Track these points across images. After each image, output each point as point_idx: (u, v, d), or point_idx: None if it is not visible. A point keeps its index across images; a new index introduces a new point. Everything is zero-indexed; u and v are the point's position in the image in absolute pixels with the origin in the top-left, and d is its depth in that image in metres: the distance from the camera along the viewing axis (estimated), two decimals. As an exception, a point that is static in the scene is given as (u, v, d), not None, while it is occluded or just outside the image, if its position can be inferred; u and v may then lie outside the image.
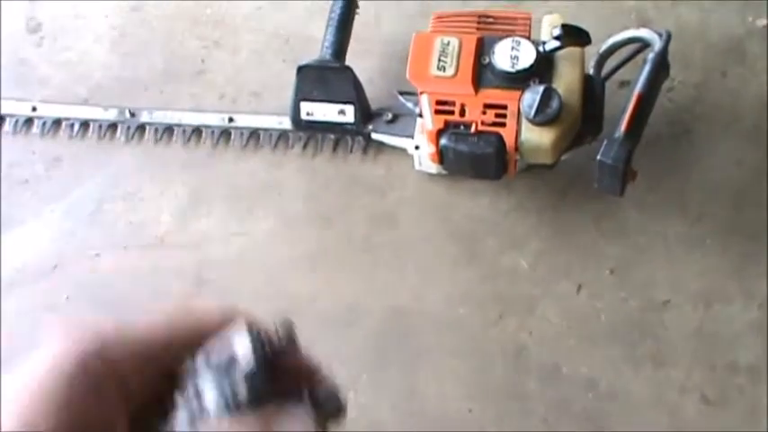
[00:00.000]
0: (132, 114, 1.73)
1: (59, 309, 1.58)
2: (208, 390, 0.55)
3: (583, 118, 1.46)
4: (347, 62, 1.62)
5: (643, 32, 1.50)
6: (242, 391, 0.55)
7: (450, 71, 1.47)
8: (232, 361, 0.56)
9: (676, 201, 1.57)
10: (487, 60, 1.47)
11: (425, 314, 1.52)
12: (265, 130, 1.70)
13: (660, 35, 1.47)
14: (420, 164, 1.60)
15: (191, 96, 1.78)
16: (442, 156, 1.48)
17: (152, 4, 1.91)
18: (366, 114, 1.63)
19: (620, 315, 1.49)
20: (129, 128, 1.74)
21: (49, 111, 1.77)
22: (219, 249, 1.62)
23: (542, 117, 1.40)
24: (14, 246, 1.65)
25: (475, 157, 1.44)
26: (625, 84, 1.58)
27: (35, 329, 1.55)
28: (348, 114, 1.61)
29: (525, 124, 1.43)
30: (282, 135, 1.69)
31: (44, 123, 1.76)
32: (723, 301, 1.48)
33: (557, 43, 1.44)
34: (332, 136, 1.67)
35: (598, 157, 1.36)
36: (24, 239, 1.66)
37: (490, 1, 1.79)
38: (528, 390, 1.45)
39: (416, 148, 1.56)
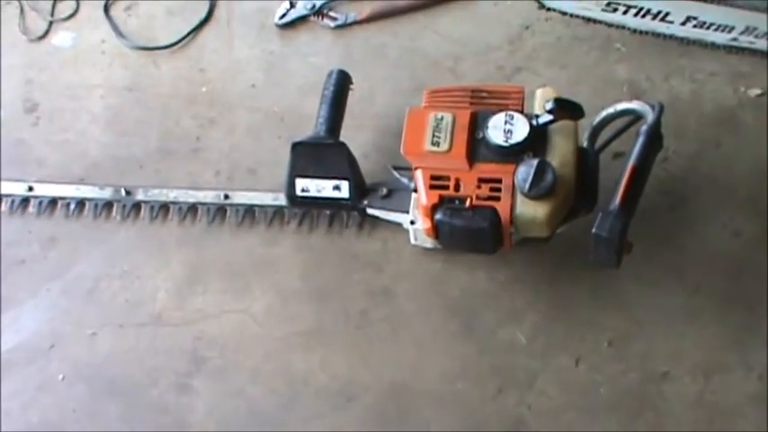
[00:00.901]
0: (128, 193, 1.74)
1: (55, 389, 1.57)
2: None
3: (577, 190, 1.46)
4: (342, 138, 1.62)
5: (635, 105, 1.51)
6: None
7: (444, 146, 1.48)
8: None
9: (673, 272, 1.56)
10: (481, 135, 1.48)
11: (423, 390, 1.51)
12: (261, 206, 1.70)
13: (653, 107, 1.48)
14: (416, 239, 1.60)
15: (186, 174, 1.78)
16: (437, 230, 1.48)
17: (147, 84, 1.93)
18: (361, 190, 1.63)
19: (619, 387, 1.48)
20: (124, 206, 1.74)
21: (46, 190, 1.77)
22: (216, 327, 1.61)
23: (537, 191, 1.40)
24: (11, 326, 1.65)
25: (470, 232, 1.44)
26: (619, 155, 1.58)
27: (30, 410, 1.55)
28: (343, 190, 1.61)
29: (520, 198, 1.43)
30: (278, 211, 1.69)
31: (40, 203, 1.76)
32: (723, 372, 1.47)
33: (550, 117, 1.45)
34: (327, 212, 1.67)
35: (593, 231, 1.36)
36: (21, 319, 1.65)
37: (483, 74, 1.81)
38: (528, 466, 1.44)
39: (412, 222, 1.56)
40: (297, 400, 1.53)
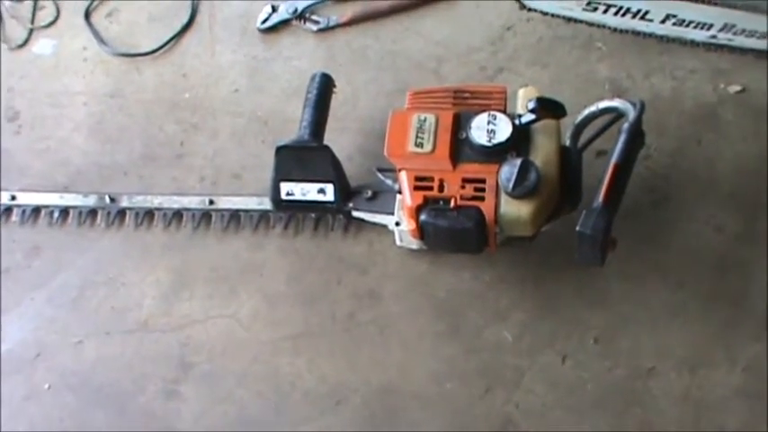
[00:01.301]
0: (112, 200, 1.74)
1: (41, 398, 1.57)
2: None
3: (561, 189, 1.47)
4: (325, 141, 1.63)
5: (617, 103, 1.52)
6: None
7: (427, 147, 1.48)
8: None
9: (657, 269, 1.57)
10: (464, 135, 1.48)
11: (411, 391, 1.51)
12: (246, 211, 1.70)
13: (634, 105, 1.49)
14: (401, 240, 1.60)
15: (171, 180, 1.78)
16: (422, 231, 1.48)
17: (130, 90, 1.93)
18: (346, 192, 1.63)
19: (605, 384, 1.49)
20: (109, 213, 1.74)
21: (29, 199, 1.77)
22: (203, 332, 1.61)
23: (521, 190, 1.41)
24: (-3, 335, 1.65)
25: (455, 232, 1.44)
26: (602, 153, 1.59)
27: (17, 420, 1.55)
28: (328, 193, 1.61)
29: (504, 197, 1.43)
30: (263, 216, 1.70)
31: (23, 212, 1.76)
32: (708, 367, 1.48)
33: (532, 116, 1.45)
34: (313, 215, 1.68)
35: (577, 228, 1.37)
36: (5, 329, 1.65)
37: (466, 74, 1.82)
38: (517, 464, 1.44)
39: (397, 224, 1.56)
40: (285, 404, 1.53)
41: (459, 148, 1.49)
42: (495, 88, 1.58)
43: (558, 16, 1.80)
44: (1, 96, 1.96)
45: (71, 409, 1.57)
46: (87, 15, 2.05)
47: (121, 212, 1.74)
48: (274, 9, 1.98)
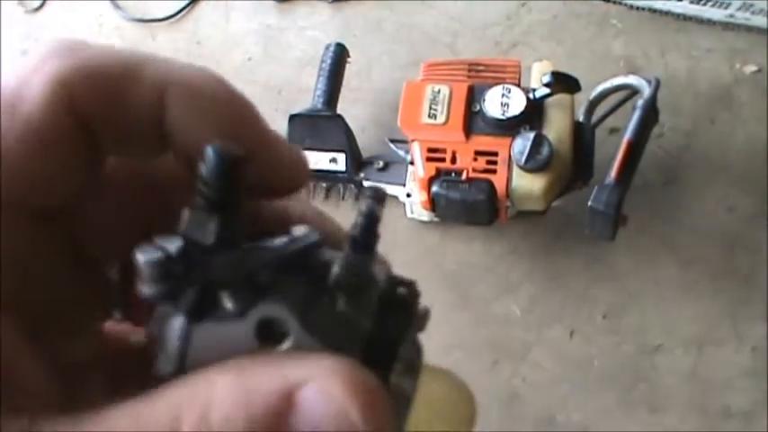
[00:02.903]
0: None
1: None
2: None
3: (573, 164, 1.47)
4: (338, 111, 1.63)
5: (632, 79, 1.52)
6: None
7: (441, 119, 1.48)
8: None
9: (667, 245, 1.57)
10: (478, 108, 1.48)
11: (419, 361, 1.52)
12: (258, 179, 1.70)
13: (649, 82, 1.49)
14: (412, 211, 1.60)
15: (183, 147, 1.78)
16: (433, 203, 1.48)
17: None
18: (358, 162, 1.63)
19: (613, 360, 1.49)
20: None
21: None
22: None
23: (533, 164, 1.41)
24: None
25: (466, 204, 1.45)
26: (615, 131, 1.59)
27: None
28: (340, 162, 1.62)
29: (516, 171, 1.43)
30: (275, 184, 1.70)
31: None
32: (716, 345, 1.48)
33: (547, 90, 1.45)
34: (324, 184, 1.68)
35: (589, 203, 1.37)
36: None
37: (480, 49, 1.81)
38: (522, 437, 1.45)
39: (408, 195, 1.57)
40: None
41: (473, 120, 1.49)
42: (510, 62, 1.58)
43: (574, -8, 1.81)
44: (16, 59, 1.96)
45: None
46: (103, -19, 2.06)
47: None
48: (290, -22, 1.98)
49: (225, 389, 0.32)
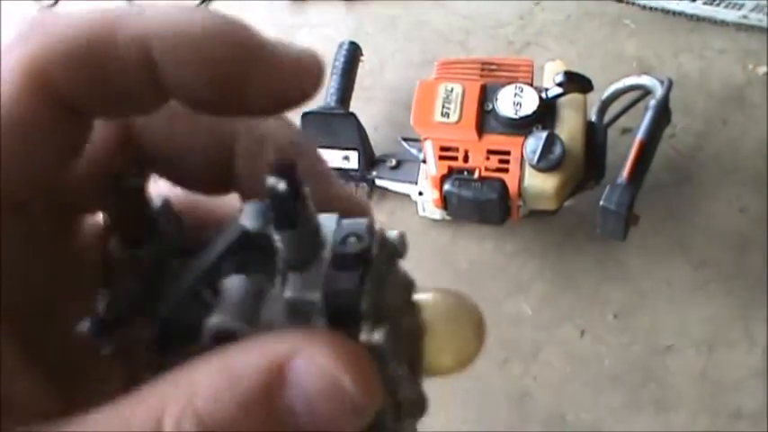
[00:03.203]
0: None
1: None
2: None
3: (585, 164, 1.47)
4: (351, 109, 1.63)
5: (645, 80, 1.52)
6: None
7: (453, 117, 1.48)
8: None
9: (679, 246, 1.57)
10: (491, 107, 1.48)
11: (430, 360, 1.52)
12: (270, 176, 1.70)
13: (662, 82, 1.49)
14: (423, 210, 1.61)
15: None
16: (445, 201, 1.48)
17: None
18: (370, 160, 1.64)
19: (623, 360, 1.49)
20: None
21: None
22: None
23: (545, 163, 1.41)
24: None
25: (478, 203, 1.45)
26: (627, 131, 1.59)
27: None
28: (352, 160, 1.62)
29: (528, 170, 1.43)
30: (287, 182, 1.70)
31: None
32: (727, 346, 1.48)
33: (559, 90, 1.45)
34: (336, 182, 1.68)
35: (601, 203, 1.37)
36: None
37: (493, 48, 1.81)
38: (532, 436, 1.45)
39: (420, 194, 1.57)
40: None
41: (485, 119, 1.49)
42: (523, 61, 1.58)
43: (587, -8, 1.81)
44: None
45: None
46: (117, -22, 2.06)
47: (146, 174, 1.75)
48: (304, -24, 1.98)
49: (209, 374, 0.31)
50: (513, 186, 1.43)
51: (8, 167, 0.32)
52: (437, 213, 1.58)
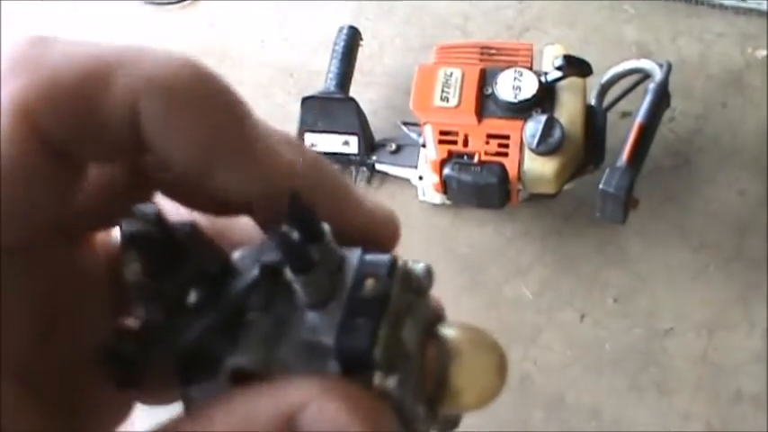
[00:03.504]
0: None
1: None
2: None
3: (585, 148, 1.47)
4: (351, 94, 1.63)
5: (644, 63, 1.52)
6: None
7: (453, 102, 1.48)
8: None
9: (678, 229, 1.57)
10: (490, 91, 1.48)
11: (430, 344, 1.52)
12: (270, 161, 1.70)
13: (661, 66, 1.49)
14: (424, 194, 1.61)
15: (196, 129, 1.79)
16: (445, 186, 1.49)
17: (157, 39, 1.93)
18: (370, 145, 1.64)
19: (623, 343, 1.49)
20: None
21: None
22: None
23: (545, 147, 1.41)
24: None
25: (478, 187, 1.45)
26: (627, 115, 1.59)
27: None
28: (352, 145, 1.62)
29: (528, 154, 1.44)
30: (287, 166, 1.70)
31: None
32: (726, 329, 1.49)
33: (558, 74, 1.45)
34: (336, 166, 1.68)
35: (600, 186, 1.38)
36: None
37: (492, 32, 1.81)
38: (532, 420, 1.45)
39: (420, 178, 1.57)
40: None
41: (485, 103, 1.49)
42: (522, 45, 1.58)
43: (587, -24, 1.81)
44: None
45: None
46: (116, -36, 2.06)
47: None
48: (303, -39, 1.98)
49: (226, 421, 0.31)
50: (512, 170, 1.44)
51: (4, 212, 0.31)
52: (437, 198, 1.58)
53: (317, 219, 0.34)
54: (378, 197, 1.63)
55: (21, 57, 0.32)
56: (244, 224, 0.38)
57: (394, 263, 0.35)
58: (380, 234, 0.39)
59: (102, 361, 0.34)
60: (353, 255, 0.35)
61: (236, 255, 0.36)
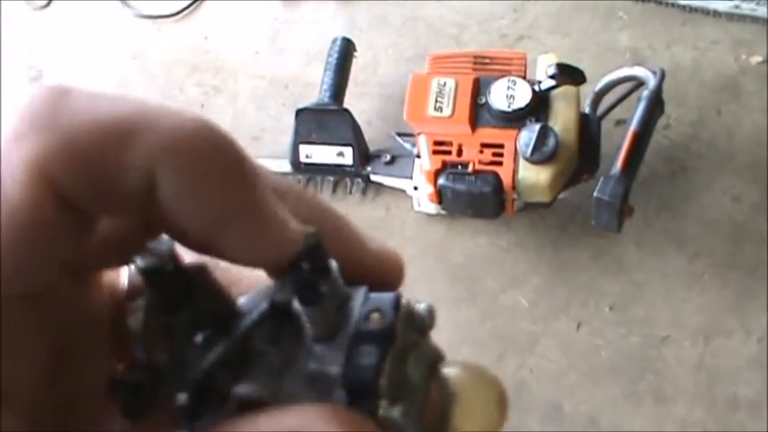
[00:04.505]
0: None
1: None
2: None
3: (579, 156, 1.47)
4: (345, 104, 1.63)
5: (637, 71, 1.52)
6: None
7: (447, 111, 1.48)
8: None
9: (674, 237, 1.57)
10: (484, 100, 1.48)
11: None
12: (265, 173, 1.70)
13: (654, 73, 1.49)
14: (419, 204, 1.61)
15: (190, 141, 1.79)
16: (440, 195, 1.49)
17: (152, 52, 1.93)
18: (365, 156, 1.64)
19: (620, 351, 1.49)
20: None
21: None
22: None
23: (539, 155, 1.41)
24: None
25: (473, 197, 1.45)
26: (621, 122, 1.59)
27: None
28: (347, 156, 1.62)
29: (522, 163, 1.44)
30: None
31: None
32: (722, 336, 1.49)
33: (552, 82, 1.45)
34: (331, 178, 1.68)
35: (595, 194, 1.38)
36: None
37: (486, 42, 1.81)
38: (530, 429, 1.45)
39: (415, 188, 1.57)
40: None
41: (479, 112, 1.49)
42: (516, 54, 1.58)
43: (580, -16, 1.81)
44: (24, 57, 1.97)
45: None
46: (110, -23, 2.06)
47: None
48: (297, -27, 1.98)
49: None
50: (507, 179, 1.44)
51: (14, 265, 0.31)
52: (432, 208, 1.58)
53: (327, 254, 0.34)
54: (373, 208, 1.64)
55: (40, 111, 0.32)
56: (254, 273, 0.38)
57: (398, 299, 0.36)
58: (386, 275, 0.39)
59: (111, 390, 0.34)
60: (359, 292, 0.36)
61: (242, 300, 0.37)
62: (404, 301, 0.36)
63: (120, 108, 0.33)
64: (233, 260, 0.35)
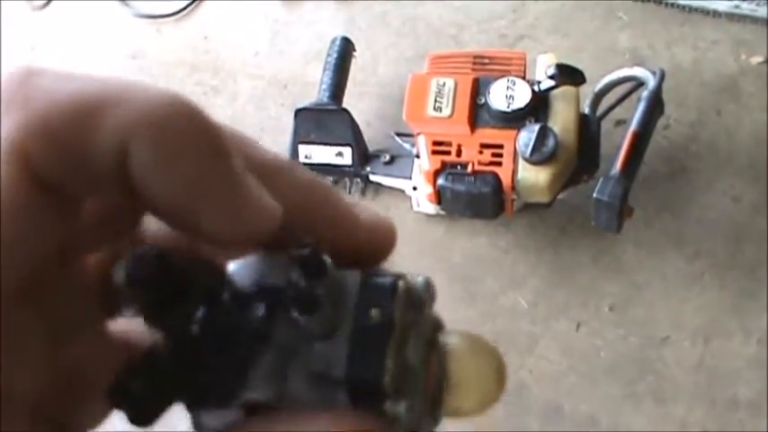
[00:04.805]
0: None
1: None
2: None
3: (579, 156, 1.47)
4: (344, 105, 1.63)
5: (637, 71, 1.52)
6: None
7: (446, 111, 1.48)
8: None
9: (673, 237, 1.57)
10: (483, 100, 1.48)
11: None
12: (264, 173, 1.70)
13: (654, 73, 1.49)
14: (418, 204, 1.60)
15: (190, 142, 1.79)
16: (439, 196, 1.48)
17: (151, 52, 1.93)
18: (364, 156, 1.63)
19: (619, 352, 1.49)
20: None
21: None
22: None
23: (538, 156, 1.41)
24: None
25: (472, 197, 1.45)
26: (621, 123, 1.59)
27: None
28: (346, 156, 1.62)
29: (522, 163, 1.43)
30: (281, 178, 1.70)
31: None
32: (722, 337, 1.48)
33: (551, 82, 1.45)
34: (330, 178, 1.68)
35: (594, 195, 1.37)
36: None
37: (486, 42, 1.81)
38: (530, 429, 1.45)
39: (414, 188, 1.57)
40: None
41: (478, 113, 1.49)
42: (515, 54, 1.58)
43: (580, -15, 1.81)
44: (23, 57, 1.97)
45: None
46: (110, -24, 2.06)
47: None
48: (296, -27, 1.98)
49: None
50: (506, 180, 1.43)
51: (4, 251, 0.31)
52: (431, 208, 1.58)
53: (321, 256, 0.34)
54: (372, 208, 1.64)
55: (11, 93, 0.32)
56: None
57: (395, 287, 0.35)
58: (380, 247, 0.39)
59: (115, 399, 0.34)
60: (353, 279, 0.36)
61: (231, 267, 0.37)
62: (401, 283, 0.36)
63: (91, 85, 0.32)
64: (210, 237, 0.34)
